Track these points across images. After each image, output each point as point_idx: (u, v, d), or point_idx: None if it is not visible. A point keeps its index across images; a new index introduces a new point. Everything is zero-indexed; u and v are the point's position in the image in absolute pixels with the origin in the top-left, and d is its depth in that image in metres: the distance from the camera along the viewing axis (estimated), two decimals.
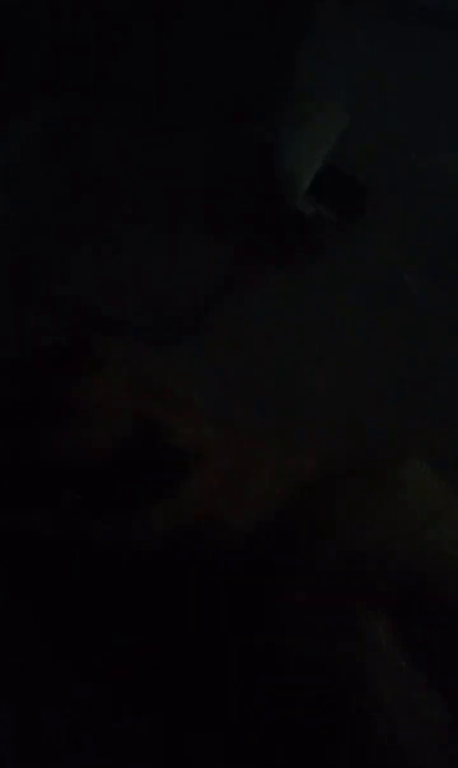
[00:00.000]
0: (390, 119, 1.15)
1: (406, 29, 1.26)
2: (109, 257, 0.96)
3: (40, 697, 0.68)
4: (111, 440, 0.66)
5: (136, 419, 0.66)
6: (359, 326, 0.94)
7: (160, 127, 1.08)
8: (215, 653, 0.66)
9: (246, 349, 0.90)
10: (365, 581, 0.63)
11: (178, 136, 1.07)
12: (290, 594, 0.63)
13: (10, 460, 0.66)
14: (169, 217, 1.01)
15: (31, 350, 0.72)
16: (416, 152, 1.11)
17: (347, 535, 0.64)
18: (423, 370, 0.91)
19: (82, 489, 0.66)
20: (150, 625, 0.67)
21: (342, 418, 0.86)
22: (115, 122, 1.08)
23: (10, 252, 0.94)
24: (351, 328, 0.94)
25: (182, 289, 0.94)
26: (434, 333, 0.94)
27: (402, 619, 0.62)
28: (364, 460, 0.71)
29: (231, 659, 0.66)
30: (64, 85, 1.08)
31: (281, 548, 0.65)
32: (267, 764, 0.65)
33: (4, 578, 0.71)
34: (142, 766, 0.66)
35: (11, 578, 0.71)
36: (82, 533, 0.65)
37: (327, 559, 0.64)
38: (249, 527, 0.65)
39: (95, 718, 0.67)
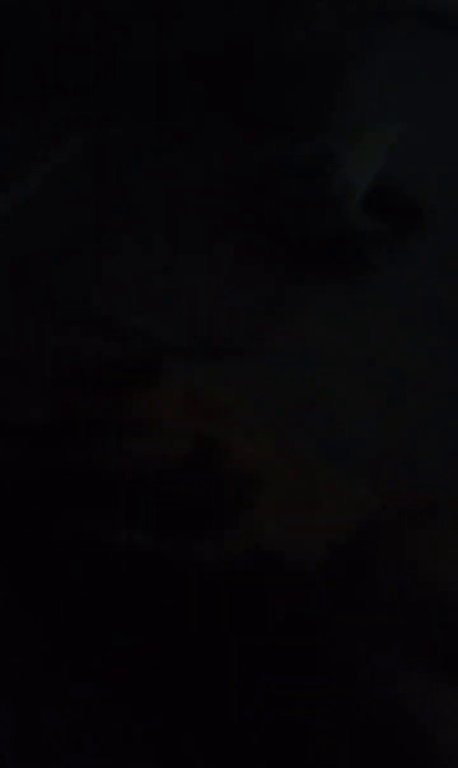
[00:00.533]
0: (444, 135, 1.14)
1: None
2: (157, 278, 0.96)
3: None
4: (168, 457, 0.64)
5: (194, 436, 0.65)
6: (414, 350, 0.93)
7: (204, 145, 1.09)
8: (262, 681, 0.66)
9: (297, 369, 0.89)
10: (411, 626, 0.61)
11: (222, 154, 1.07)
12: (349, 631, 0.62)
13: (69, 471, 0.65)
14: (215, 236, 1.00)
15: (87, 368, 0.72)
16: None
17: (417, 575, 0.63)
18: None
19: (138, 504, 0.65)
20: (194, 646, 0.67)
21: (395, 447, 0.84)
22: (160, 142, 1.09)
23: (58, 274, 0.94)
24: (404, 351, 0.93)
25: (231, 307, 0.93)
26: None
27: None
28: (424, 495, 0.69)
29: (277, 690, 0.65)
30: (98, 107, 1.09)
31: (343, 582, 0.64)
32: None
33: (24, 579, 0.72)
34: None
35: (30, 579, 0.72)
36: (140, 547, 0.64)
37: (391, 600, 0.62)
38: (309, 558, 0.64)
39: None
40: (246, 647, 0.66)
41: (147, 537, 0.64)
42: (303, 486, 0.66)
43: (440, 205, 1.03)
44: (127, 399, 0.67)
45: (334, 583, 0.63)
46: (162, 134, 1.10)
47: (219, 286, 0.96)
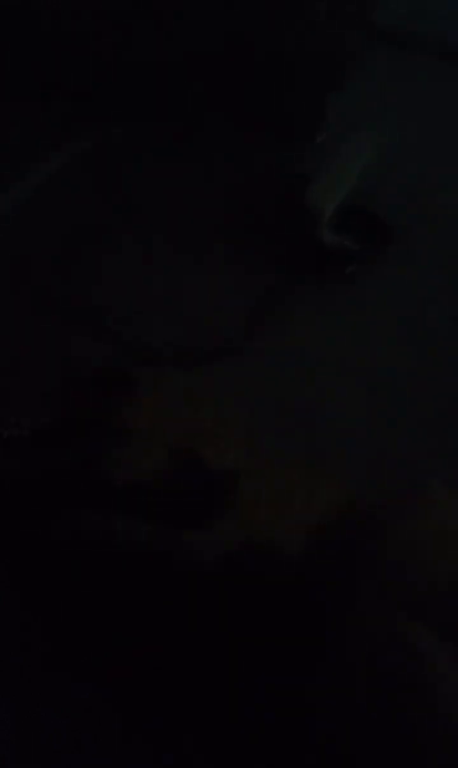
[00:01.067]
0: (416, 155, 1.16)
1: (435, 65, 1.27)
2: (146, 285, 0.97)
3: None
4: (149, 461, 0.69)
5: (173, 443, 0.70)
6: (387, 356, 0.95)
7: (203, 147, 1.10)
8: (256, 668, 0.67)
9: (278, 376, 0.91)
10: (411, 598, 0.63)
11: (220, 156, 1.08)
12: (338, 613, 0.64)
13: (63, 474, 0.69)
14: (202, 246, 1.02)
15: (75, 376, 0.76)
16: (442, 188, 1.12)
17: (387, 555, 0.65)
18: (449, 401, 0.92)
19: (130, 504, 0.68)
20: (184, 639, 0.69)
21: (371, 447, 0.86)
22: (160, 143, 1.10)
23: (57, 274, 0.96)
24: (380, 357, 0.95)
25: (215, 316, 0.95)
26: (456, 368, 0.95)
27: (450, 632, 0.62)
28: (393, 486, 0.71)
29: (270, 674, 0.67)
30: (98, 107, 1.10)
31: (322, 571, 0.67)
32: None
33: (23, 579, 0.72)
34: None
35: (29, 578, 0.72)
36: (137, 538, 0.68)
37: (374, 579, 0.64)
38: (284, 552, 0.67)
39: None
40: (245, 639, 0.68)
41: (143, 530, 0.67)
42: (274, 486, 0.69)
43: (410, 224, 1.06)
44: (112, 407, 0.71)
45: (321, 565, 0.66)
46: (161, 135, 1.10)
47: (212, 289, 0.98)
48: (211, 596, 0.69)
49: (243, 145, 1.10)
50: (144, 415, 0.71)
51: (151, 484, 0.68)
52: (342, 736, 0.64)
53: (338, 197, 1.02)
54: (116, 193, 1.05)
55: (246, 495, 0.68)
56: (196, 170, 1.09)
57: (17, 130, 1.09)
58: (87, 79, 1.09)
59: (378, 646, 0.61)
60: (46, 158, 1.06)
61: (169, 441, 0.69)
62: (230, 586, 0.69)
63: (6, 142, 1.07)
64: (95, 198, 1.04)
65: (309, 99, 1.09)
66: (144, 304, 0.95)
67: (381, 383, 0.93)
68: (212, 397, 0.82)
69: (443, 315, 1.00)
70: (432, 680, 0.60)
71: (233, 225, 1.04)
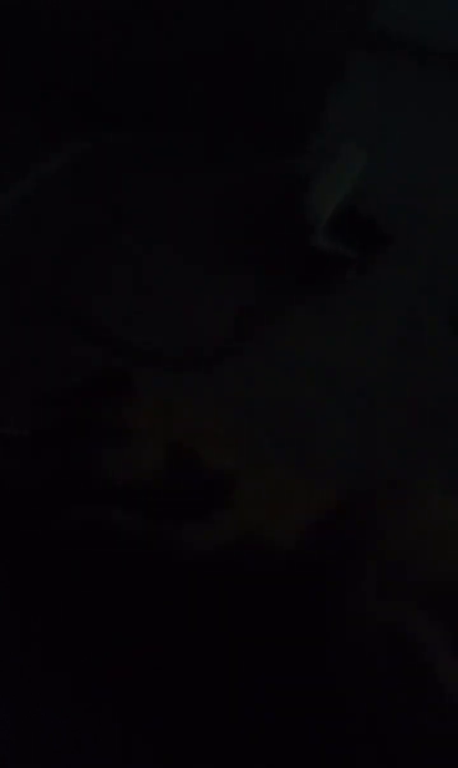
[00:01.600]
0: (412, 161, 1.16)
1: (436, 65, 1.27)
2: (143, 287, 0.98)
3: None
4: (148, 460, 0.69)
5: (166, 445, 0.70)
6: (378, 362, 0.96)
7: (184, 158, 1.10)
8: (248, 665, 0.68)
9: (273, 378, 0.92)
10: (407, 594, 0.64)
11: (210, 164, 1.09)
12: (332, 611, 0.65)
13: (59, 473, 0.70)
14: (199, 248, 1.02)
15: (74, 377, 0.77)
16: (441, 189, 1.13)
17: (380, 553, 0.66)
18: (441, 407, 0.92)
19: (124, 503, 0.69)
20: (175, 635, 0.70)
21: (359, 452, 0.87)
22: (156, 147, 1.10)
23: (53, 277, 0.96)
24: (376, 358, 0.96)
25: (212, 319, 0.96)
26: (451, 372, 0.95)
27: (448, 629, 0.62)
28: (385, 486, 0.71)
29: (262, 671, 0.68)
30: (97, 108, 1.10)
31: (318, 567, 0.67)
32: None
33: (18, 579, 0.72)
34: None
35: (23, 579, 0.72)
36: (136, 531, 0.68)
37: (366, 578, 0.65)
38: (281, 549, 0.68)
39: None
40: (241, 635, 0.69)
41: (141, 526, 0.68)
42: (268, 488, 0.70)
43: (405, 229, 1.07)
44: (106, 409, 0.71)
45: (316, 562, 0.67)
46: (160, 136, 1.11)
47: (209, 291, 0.98)
48: (207, 592, 0.71)
49: (243, 146, 1.10)
50: (143, 415, 0.71)
51: (149, 482, 0.68)
52: (342, 733, 0.64)
53: (337, 199, 1.03)
54: (115, 194, 1.05)
55: (243, 494, 0.69)
56: (195, 172, 1.09)
57: (17, 130, 1.09)
58: (87, 79, 1.09)
59: (376, 640, 0.62)
60: (45, 158, 1.06)
61: (167, 441, 0.70)
62: (226, 581, 0.70)
63: (6, 142, 1.07)
64: (94, 199, 1.05)
65: (309, 100, 1.09)
66: (142, 306, 0.96)
67: (378, 384, 0.94)
68: (210, 398, 0.84)
69: (441, 316, 1.01)
70: (432, 672, 0.61)
71: (230, 227, 1.04)
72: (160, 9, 1.03)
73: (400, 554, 0.65)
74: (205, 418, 0.73)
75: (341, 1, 1.02)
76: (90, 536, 0.71)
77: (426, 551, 0.65)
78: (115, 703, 0.68)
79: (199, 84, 1.09)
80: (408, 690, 0.61)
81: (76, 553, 0.72)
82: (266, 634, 0.70)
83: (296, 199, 1.02)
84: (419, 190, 1.13)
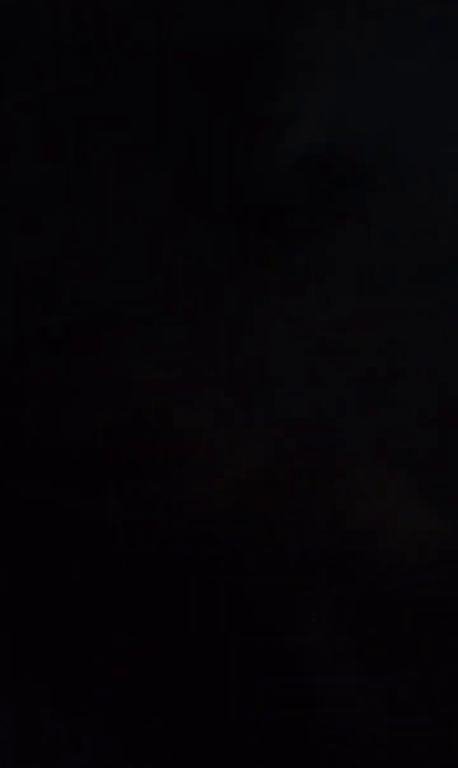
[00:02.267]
0: (383, 111, 1.15)
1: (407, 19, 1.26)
2: (99, 248, 0.91)
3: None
4: (97, 421, 0.69)
5: (124, 403, 0.70)
6: (340, 310, 0.89)
7: (152, 107, 1.06)
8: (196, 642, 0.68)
9: (227, 338, 0.87)
10: (311, 571, 0.65)
11: (172, 117, 1.03)
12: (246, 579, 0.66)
13: (13, 437, 0.69)
14: (159, 207, 0.97)
15: (28, 336, 0.74)
16: (409, 145, 1.11)
17: (302, 526, 0.66)
18: (393, 369, 0.91)
19: (74, 470, 0.69)
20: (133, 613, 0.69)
21: (310, 414, 0.83)
22: (111, 105, 1.06)
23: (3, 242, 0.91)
24: (328, 321, 0.91)
25: (168, 278, 0.90)
26: (407, 333, 0.94)
27: (342, 609, 0.63)
28: (323, 458, 0.71)
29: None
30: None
31: (241, 535, 0.67)
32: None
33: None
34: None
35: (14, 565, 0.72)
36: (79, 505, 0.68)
37: (284, 547, 0.66)
38: (216, 504, 0.67)
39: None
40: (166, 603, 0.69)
41: (56, 491, 0.68)
42: (215, 447, 0.70)
43: (375, 181, 1.05)
44: (59, 368, 0.71)
45: (239, 525, 0.67)
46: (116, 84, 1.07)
47: (160, 251, 0.91)
48: (142, 557, 0.69)
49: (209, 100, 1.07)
50: (93, 372, 0.71)
51: (95, 442, 0.68)
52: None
53: (300, 150, 1.00)
54: (65, 153, 1.02)
55: (180, 453, 0.69)
56: (156, 129, 1.02)
57: None
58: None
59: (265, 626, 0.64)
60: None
61: (116, 399, 0.70)
62: (155, 543, 0.69)
63: None
64: (58, 151, 1.01)
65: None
66: (89, 266, 0.90)
67: (332, 340, 0.88)
68: (164, 356, 0.80)
69: (405, 269, 0.98)
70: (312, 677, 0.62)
71: (185, 177, 0.97)
72: None
73: (313, 525, 0.66)
74: (158, 376, 0.73)
75: None
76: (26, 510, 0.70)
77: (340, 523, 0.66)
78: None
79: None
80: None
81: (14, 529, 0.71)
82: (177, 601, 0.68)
83: (259, 141, 1.00)
84: (399, 131, 1.10)
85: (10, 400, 0.70)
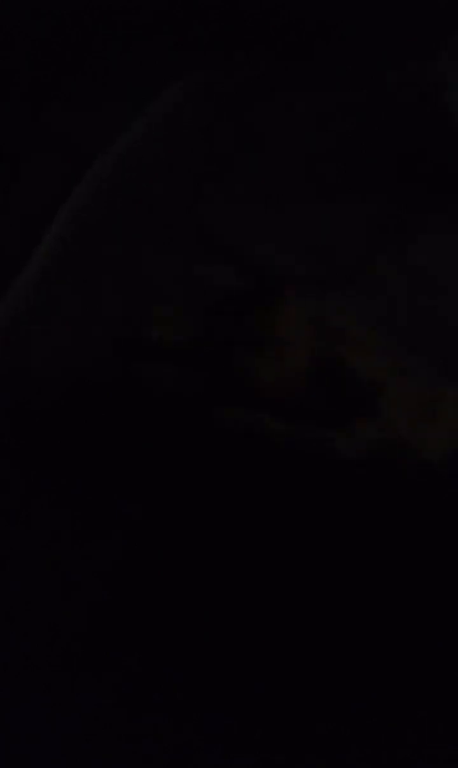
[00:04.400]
0: None
1: None
2: (270, 209, 0.98)
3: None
4: (292, 371, 0.74)
5: (313, 354, 0.75)
6: None
7: (310, 75, 1.08)
8: None
9: (406, 291, 0.91)
10: None
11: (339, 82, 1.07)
12: None
13: (209, 381, 0.75)
14: (332, 165, 1.02)
15: (217, 293, 0.83)
16: None
17: None
18: None
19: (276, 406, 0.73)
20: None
21: None
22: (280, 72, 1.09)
23: (179, 206, 0.97)
24: None
25: (347, 236, 0.96)
26: None
27: None
28: None
29: None
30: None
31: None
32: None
33: None
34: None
35: None
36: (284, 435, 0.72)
37: None
38: (425, 458, 0.71)
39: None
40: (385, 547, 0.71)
41: (290, 430, 0.72)
42: (421, 397, 0.74)
43: None
44: (253, 321, 0.77)
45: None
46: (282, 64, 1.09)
47: (335, 214, 0.97)
48: (352, 500, 0.72)
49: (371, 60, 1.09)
50: (290, 325, 0.77)
51: (297, 390, 0.73)
52: None
53: None
54: (236, 121, 1.05)
55: (391, 403, 0.73)
56: (313, 98, 1.07)
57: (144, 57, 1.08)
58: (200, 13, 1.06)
59: None
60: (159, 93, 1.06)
61: (314, 350, 0.75)
62: (371, 491, 0.72)
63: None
64: (217, 126, 1.04)
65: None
66: (266, 232, 0.95)
67: None
68: (352, 311, 0.85)
69: None
70: None
71: (362, 139, 1.03)
72: None
73: None
74: (349, 329, 0.78)
75: None
76: (239, 442, 0.74)
77: None
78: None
79: None
80: None
81: (225, 460, 0.74)
82: (407, 548, 0.70)
83: (432, 103, 1.01)
84: None
85: (219, 346, 0.76)
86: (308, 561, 0.70)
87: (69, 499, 0.73)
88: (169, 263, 0.91)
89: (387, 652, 0.66)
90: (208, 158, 1.01)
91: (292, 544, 0.71)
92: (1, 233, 0.95)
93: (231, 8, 1.09)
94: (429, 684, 0.65)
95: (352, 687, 0.65)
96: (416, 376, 0.77)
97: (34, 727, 0.63)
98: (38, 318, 0.85)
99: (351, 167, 1.01)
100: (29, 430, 0.78)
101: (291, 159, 1.02)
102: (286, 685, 0.65)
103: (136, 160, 1.00)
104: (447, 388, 0.76)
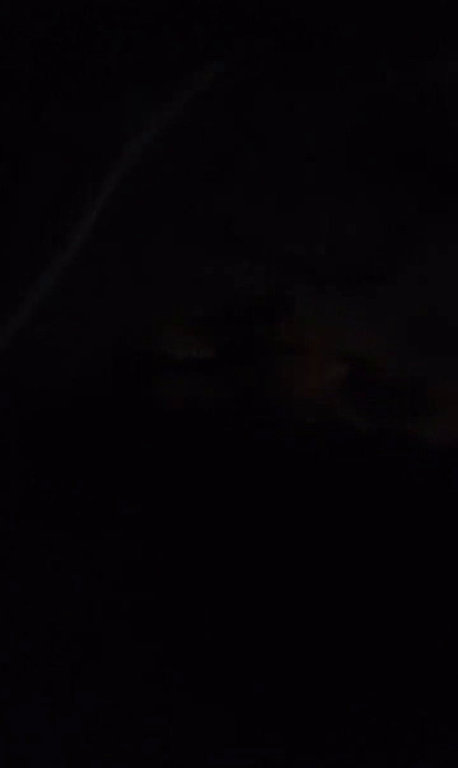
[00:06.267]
0: None
1: None
2: (289, 207, 0.99)
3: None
4: (333, 380, 0.74)
5: (345, 357, 0.75)
6: None
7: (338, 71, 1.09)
8: None
9: (426, 293, 0.92)
10: None
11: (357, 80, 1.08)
12: None
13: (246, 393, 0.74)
14: (352, 164, 1.03)
15: (235, 299, 0.83)
16: None
17: None
18: None
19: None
20: None
21: None
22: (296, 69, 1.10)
23: (198, 203, 0.99)
24: None
25: (367, 236, 0.97)
26: None
27: None
28: None
29: None
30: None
31: None
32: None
33: None
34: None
35: None
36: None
37: None
38: None
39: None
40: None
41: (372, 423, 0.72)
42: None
43: None
44: (275, 327, 0.78)
45: None
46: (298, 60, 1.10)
47: (356, 215, 0.98)
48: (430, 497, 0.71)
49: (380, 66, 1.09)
50: (312, 331, 0.77)
51: (335, 394, 0.73)
52: None
53: None
54: (255, 118, 1.06)
55: (438, 398, 0.73)
56: (332, 96, 1.08)
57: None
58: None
59: None
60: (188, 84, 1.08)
61: (342, 353, 0.75)
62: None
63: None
64: (235, 124, 1.05)
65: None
66: (292, 224, 0.97)
67: None
68: (370, 312, 0.86)
69: None
70: None
71: (373, 150, 1.04)
72: None
73: None
74: (370, 331, 0.80)
75: None
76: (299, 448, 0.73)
77: None
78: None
79: None
80: None
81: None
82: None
83: (443, 105, 1.02)
84: None
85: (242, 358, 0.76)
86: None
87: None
88: (186, 261, 0.92)
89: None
90: (221, 156, 1.02)
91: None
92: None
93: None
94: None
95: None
96: (450, 373, 0.77)
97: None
98: (51, 321, 0.86)
99: (357, 165, 1.02)
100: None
101: (298, 156, 1.02)
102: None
103: (151, 161, 1.01)
104: None
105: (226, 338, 0.78)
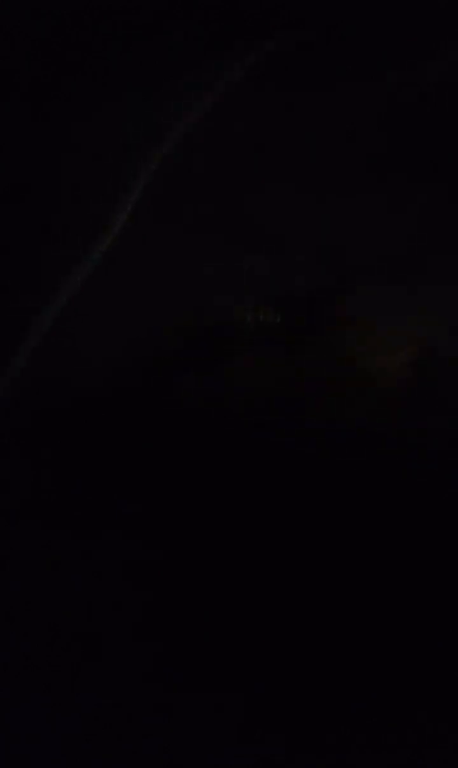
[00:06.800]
0: None
1: None
2: (320, 204, 1.03)
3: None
4: (390, 356, 0.79)
5: (408, 339, 0.80)
6: None
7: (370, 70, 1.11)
8: None
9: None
10: None
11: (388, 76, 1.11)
12: None
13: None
14: (381, 163, 1.06)
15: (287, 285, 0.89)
16: None
17: None
18: None
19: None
20: None
21: None
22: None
23: (226, 193, 1.03)
24: None
25: (395, 233, 1.00)
26: None
27: None
28: None
29: None
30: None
31: None
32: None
33: None
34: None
35: None
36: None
37: None
38: None
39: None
40: None
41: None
42: None
43: None
44: (336, 306, 0.83)
45: None
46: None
47: (383, 212, 1.01)
48: None
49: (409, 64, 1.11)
50: (366, 325, 0.82)
51: (405, 374, 0.78)
52: None
53: None
54: (284, 121, 1.09)
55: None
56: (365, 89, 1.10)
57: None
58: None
59: None
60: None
61: (407, 334, 0.81)
62: None
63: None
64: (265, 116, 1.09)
65: None
66: (310, 228, 0.99)
67: None
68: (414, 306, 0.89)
69: None
70: None
71: (401, 148, 1.06)
72: None
73: None
74: (421, 322, 0.83)
75: None
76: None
77: None
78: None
79: None
80: None
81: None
82: None
83: (432, 103, 1.06)
84: None
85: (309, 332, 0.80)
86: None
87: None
88: (220, 254, 0.95)
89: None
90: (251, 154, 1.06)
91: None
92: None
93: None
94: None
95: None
96: None
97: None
98: (87, 311, 0.91)
99: (404, 163, 1.05)
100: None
101: (340, 151, 1.06)
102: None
103: (181, 159, 1.05)
104: None
105: (290, 315, 0.83)
